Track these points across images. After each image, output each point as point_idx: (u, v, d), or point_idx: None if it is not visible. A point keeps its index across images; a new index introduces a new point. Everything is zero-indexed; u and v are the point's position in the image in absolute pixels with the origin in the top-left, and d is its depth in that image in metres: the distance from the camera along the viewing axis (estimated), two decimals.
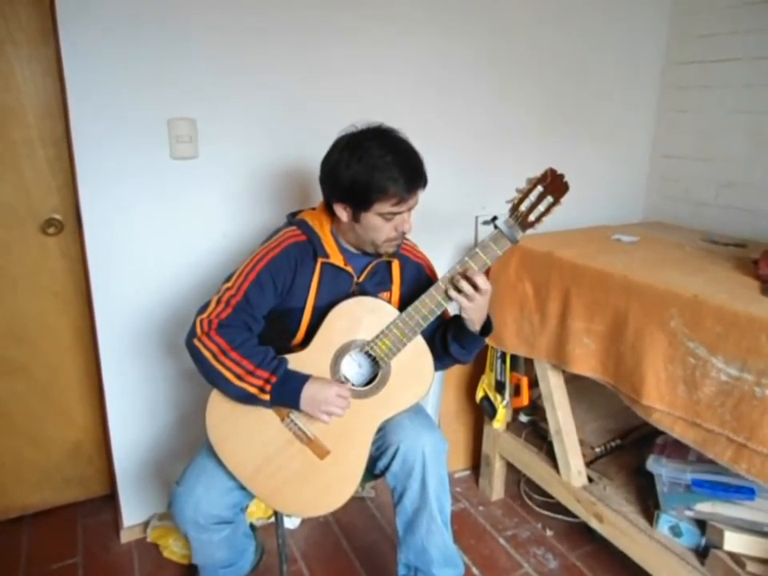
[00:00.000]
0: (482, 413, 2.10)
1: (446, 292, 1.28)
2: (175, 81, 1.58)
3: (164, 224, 1.67)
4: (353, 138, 1.29)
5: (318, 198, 1.80)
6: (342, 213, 1.31)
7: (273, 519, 1.90)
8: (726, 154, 2.17)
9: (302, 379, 1.27)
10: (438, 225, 2.04)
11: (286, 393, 1.26)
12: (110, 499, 2.06)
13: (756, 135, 2.07)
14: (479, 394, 2.01)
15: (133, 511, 1.89)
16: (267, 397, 1.25)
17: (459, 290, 1.26)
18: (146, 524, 1.91)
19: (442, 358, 1.44)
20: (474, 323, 1.34)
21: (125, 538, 1.89)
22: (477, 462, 2.21)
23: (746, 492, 1.41)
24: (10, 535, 1.91)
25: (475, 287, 1.26)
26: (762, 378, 1.19)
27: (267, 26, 1.64)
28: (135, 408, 1.80)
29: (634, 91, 2.35)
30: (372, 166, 1.23)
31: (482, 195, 2.12)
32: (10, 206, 1.70)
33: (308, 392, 1.26)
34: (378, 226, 1.29)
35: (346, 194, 1.28)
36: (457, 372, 2.16)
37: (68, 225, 1.78)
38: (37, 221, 1.75)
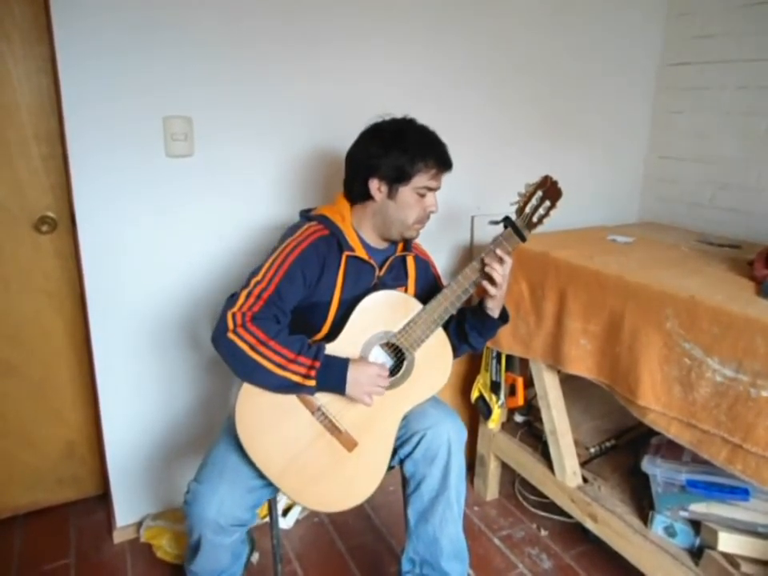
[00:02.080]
0: (477, 413, 2.09)
1: (469, 285, 1.36)
2: (171, 78, 1.57)
3: (158, 223, 1.66)
4: (386, 124, 1.40)
5: (315, 196, 1.81)
6: (377, 192, 1.37)
7: (267, 519, 1.90)
8: (721, 156, 2.18)
9: (344, 363, 1.29)
10: (434, 224, 2.03)
11: (332, 377, 1.27)
12: (102, 499, 2.05)
13: (751, 137, 2.08)
14: (474, 394, 2.01)
15: (126, 511, 1.88)
16: (313, 383, 1.25)
17: (493, 280, 1.35)
18: (139, 524, 1.90)
19: (457, 348, 1.49)
20: (495, 310, 1.43)
21: (118, 538, 1.88)
22: (472, 462, 2.21)
23: (741, 493, 1.42)
24: (2, 536, 1.89)
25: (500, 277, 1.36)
26: (757, 378, 1.19)
27: (265, 25, 1.63)
28: (129, 408, 1.78)
29: (629, 92, 2.35)
30: (413, 142, 1.35)
31: (478, 196, 2.12)
32: (3, 204, 1.68)
33: (352, 375, 1.28)
34: (412, 203, 1.37)
35: (388, 168, 1.34)
36: (452, 372, 2.15)
37: (62, 223, 1.77)
38: (30, 219, 1.73)
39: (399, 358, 1.38)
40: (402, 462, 1.44)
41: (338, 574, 1.78)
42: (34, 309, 1.81)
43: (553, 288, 1.65)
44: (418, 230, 1.44)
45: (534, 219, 1.36)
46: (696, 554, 1.47)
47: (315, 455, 1.32)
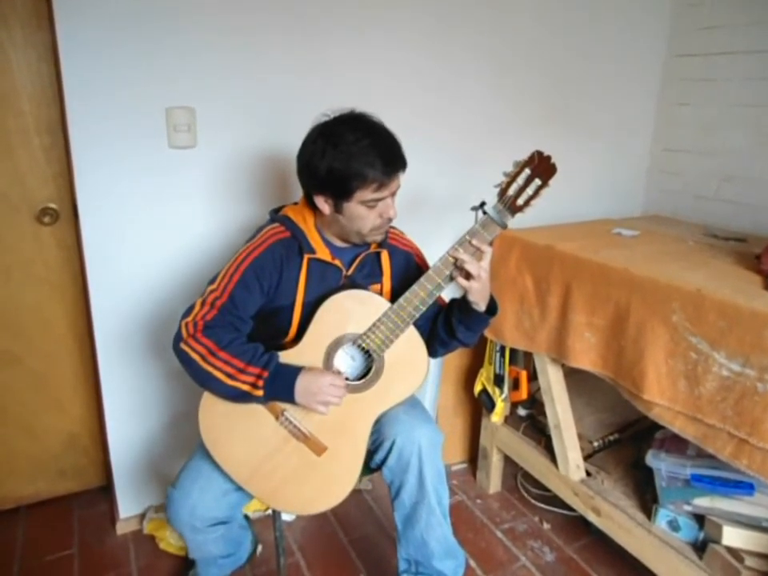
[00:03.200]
0: (480, 406, 2.09)
1: (442, 280, 1.26)
2: (174, 68, 1.55)
3: (161, 214, 1.65)
4: (326, 127, 1.26)
5: None
6: (324, 205, 1.29)
7: (270, 512, 1.90)
8: (726, 148, 2.16)
9: (294, 371, 1.26)
10: (434, 215, 2.03)
11: (280, 386, 1.25)
12: (105, 491, 2.05)
13: (757, 129, 2.06)
14: (477, 388, 2.00)
15: (129, 503, 1.88)
16: (261, 393, 1.23)
17: (468, 275, 1.25)
18: (142, 516, 1.90)
19: (447, 343, 1.43)
20: (480, 304, 1.32)
21: (121, 529, 1.88)
22: (474, 455, 2.21)
23: (745, 487, 1.41)
24: (6, 527, 1.90)
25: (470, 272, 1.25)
26: (764, 373, 1.18)
27: (268, 18, 1.62)
28: (131, 399, 1.78)
29: (635, 83, 2.33)
30: (348, 153, 1.21)
31: (481, 188, 2.10)
32: (4, 194, 1.67)
33: (302, 383, 1.25)
34: (363, 214, 1.27)
35: (325, 184, 1.25)
36: (455, 365, 2.16)
37: (64, 214, 1.76)
38: (32, 210, 1.72)
39: (370, 359, 1.33)
40: (379, 467, 1.41)
41: (340, 566, 1.78)
42: (36, 300, 1.80)
43: (557, 281, 1.64)
44: (381, 233, 1.33)
45: (520, 202, 1.22)
46: (700, 548, 1.47)
47: (283, 460, 1.31)
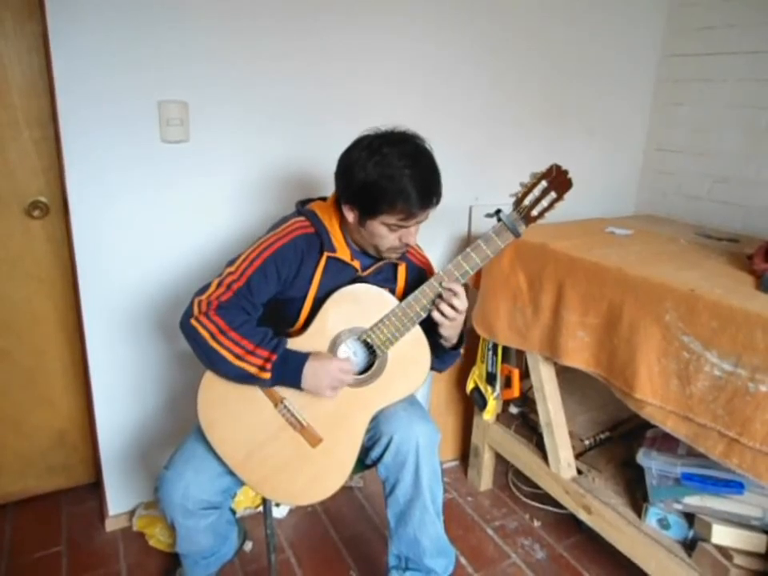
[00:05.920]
0: (471, 403, 2.09)
1: (434, 300, 1.30)
2: (167, 62, 1.54)
3: (152, 208, 1.64)
4: (375, 140, 1.26)
5: (310, 190, 1.79)
6: (349, 213, 1.31)
7: (261, 508, 1.89)
8: (720, 149, 2.17)
9: (302, 357, 1.27)
10: (431, 215, 2.02)
11: (288, 371, 1.25)
12: (94, 488, 2.03)
13: (751, 130, 2.07)
14: (470, 385, 2.00)
15: (118, 500, 1.87)
16: (268, 375, 1.23)
17: (443, 313, 1.29)
18: (131, 513, 1.89)
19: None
20: (450, 340, 1.38)
21: (110, 526, 1.87)
22: (465, 453, 2.22)
23: (735, 486, 1.42)
24: None
25: (454, 308, 1.29)
26: (756, 373, 1.19)
27: (265, 10, 1.60)
28: (121, 396, 1.77)
29: (629, 84, 2.33)
30: (387, 176, 1.21)
31: (476, 186, 2.11)
32: None
33: (310, 369, 1.25)
34: (383, 234, 1.29)
35: (356, 196, 1.27)
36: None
37: (54, 208, 1.74)
38: (21, 203, 1.70)
39: (373, 355, 1.34)
40: (374, 463, 1.41)
41: (331, 563, 1.78)
42: (25, 295, 1.78)
43: (551, 280, 1.64)
44: (398, 253, 1.36)
45: (534, 212, 1.27)
46: (689, 546, 1.48)
47: (278, 448, 1.31)
